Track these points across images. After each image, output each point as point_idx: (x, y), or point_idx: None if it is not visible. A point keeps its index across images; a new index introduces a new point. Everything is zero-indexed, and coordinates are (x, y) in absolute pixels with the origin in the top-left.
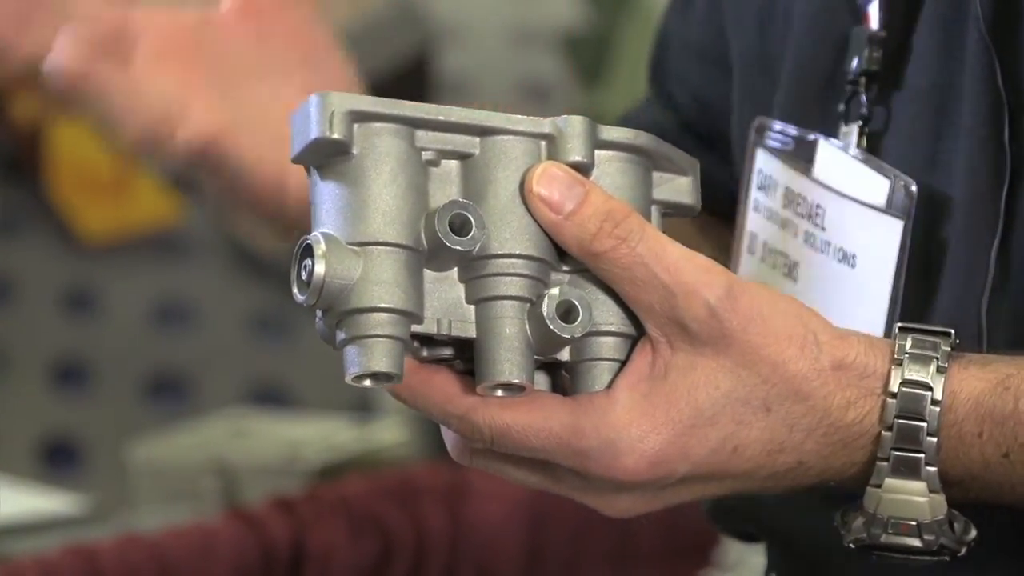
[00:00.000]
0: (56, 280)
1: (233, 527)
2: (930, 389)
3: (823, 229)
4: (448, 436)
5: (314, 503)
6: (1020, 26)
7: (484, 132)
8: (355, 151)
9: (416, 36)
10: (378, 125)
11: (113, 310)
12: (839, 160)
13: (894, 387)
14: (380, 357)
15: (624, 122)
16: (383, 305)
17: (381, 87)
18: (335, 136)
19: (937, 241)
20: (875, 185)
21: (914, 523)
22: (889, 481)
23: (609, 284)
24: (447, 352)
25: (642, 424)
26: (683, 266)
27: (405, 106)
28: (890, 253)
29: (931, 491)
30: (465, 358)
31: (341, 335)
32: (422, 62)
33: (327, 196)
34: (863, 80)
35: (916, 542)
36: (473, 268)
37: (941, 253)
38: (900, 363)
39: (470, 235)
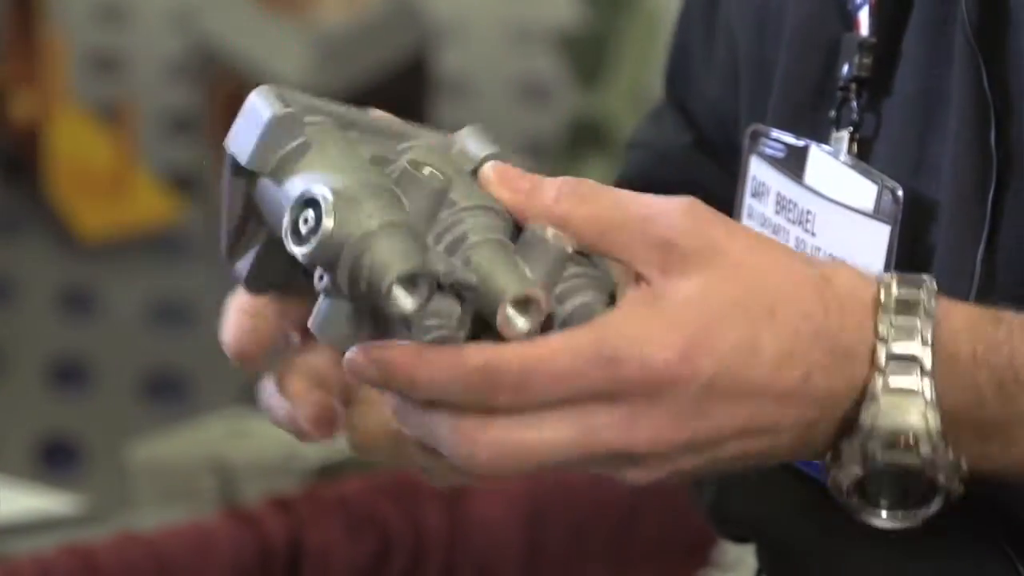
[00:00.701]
0: (54, 280)
1: (231, 526)
2: (921, 301)
3: (813, 235)
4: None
5: (312, 502)
6: (1006, 30)
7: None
8: (308, 139)
9: (414, 36)
10: (320, 118)
11: (111, 310)
12: (829, 166)
13: (885, 301)
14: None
15: (634, 147)
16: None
17: (379, 87)
18: (290, 109)
19: (924, 245)
20: (863, 190)
21: (911, 436)
22: (885, 395)
23: (584, 244)
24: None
25: (660, 323)
26: (648, 199)
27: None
28: (877, 258)
29: (927, 403)
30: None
31: (317, 284)
32: (420, 62)
33: (292, 191)
34: (854, 86)
35: (914, 460)
36: (440, 225)
37: (927, 257)
38: (888, 285)
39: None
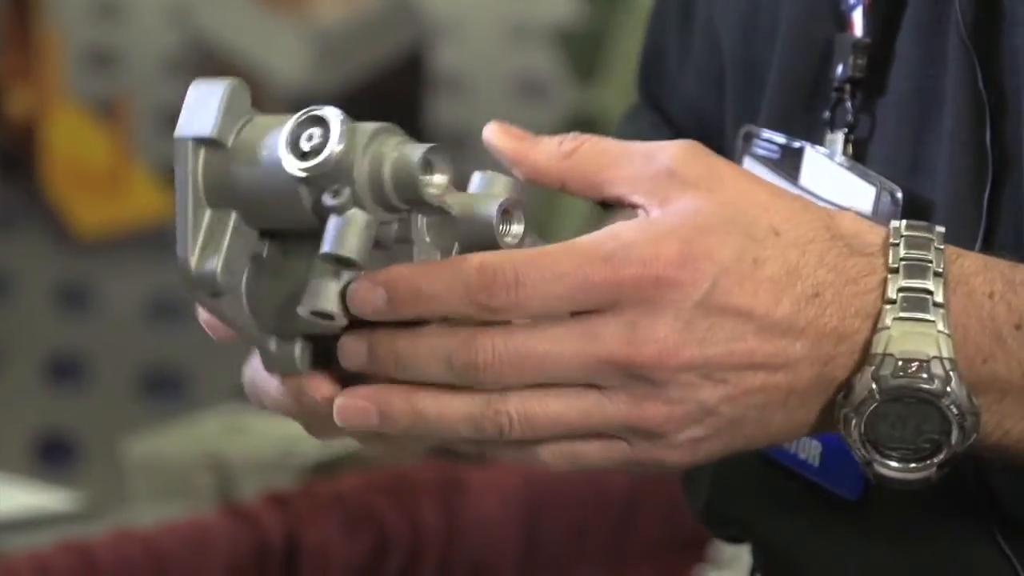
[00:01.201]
0: (50, 276)
1: (228, 522)
2: (932, 239)
3: None
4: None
5: (309, 498)
6: (1000, 28)
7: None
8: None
9: (410, 32)
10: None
11: (108, 306)
12: (825, 168)
13: (895, 239)
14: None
15: (620, 130)
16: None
17: (376, 83)
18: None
19: None
20: (861, 192)
21: (925, 361)
22: (897, 324)
23: (586, 183)
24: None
25: (660, 226)
26: (647, 143)
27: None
28: None
29: (939, 332)
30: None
31: (331, 202)
32: (417, 58)
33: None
34: (848, 87)
35: (927, 384)
36: None
37: None
38: (897, 227)
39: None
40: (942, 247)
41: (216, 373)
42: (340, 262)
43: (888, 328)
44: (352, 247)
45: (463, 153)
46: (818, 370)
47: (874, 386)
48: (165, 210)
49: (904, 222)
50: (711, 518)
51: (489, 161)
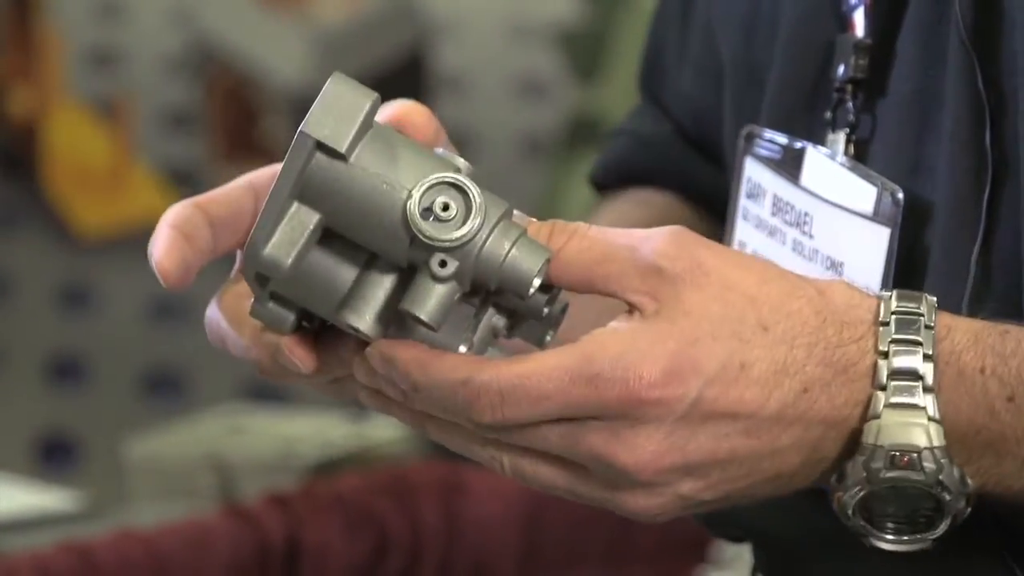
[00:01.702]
0: (51, 276)
1: (228, 523)
2: (921, 315)
3: (811, 237)
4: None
5: (309, 499)
6: (1000, 30)
7: None
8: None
9: (411, 33)
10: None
11: (109, 306)
12: (827, 168)
13: (884, 316)
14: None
15: (619, 134)
16: None
17: (377, 83)
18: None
19: (920, 246)
20: (862, 193)
21: (915, 454)
22: (887, 411)
23: (573, 277)
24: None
25: (647, 337)
26: (631, 230)
27: None
28: (877, 261)
29: (930, 419)
30: None
31: (437, 271)
32: (417, 58)
33: None
34: (849, 88)
35: (918, 477)
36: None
37: (923, 258)
38: (887, 300)
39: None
40: (932, 324)
41: (218, 374)
42: (417, 322)
43: (879, 418)
44: (434, 315)
45: (465, 154)
46: (806, 455)
47: (865, 475)
48: (166, 209)
49: (894, 294)
50: (712, 518)
51: (491, 162)
